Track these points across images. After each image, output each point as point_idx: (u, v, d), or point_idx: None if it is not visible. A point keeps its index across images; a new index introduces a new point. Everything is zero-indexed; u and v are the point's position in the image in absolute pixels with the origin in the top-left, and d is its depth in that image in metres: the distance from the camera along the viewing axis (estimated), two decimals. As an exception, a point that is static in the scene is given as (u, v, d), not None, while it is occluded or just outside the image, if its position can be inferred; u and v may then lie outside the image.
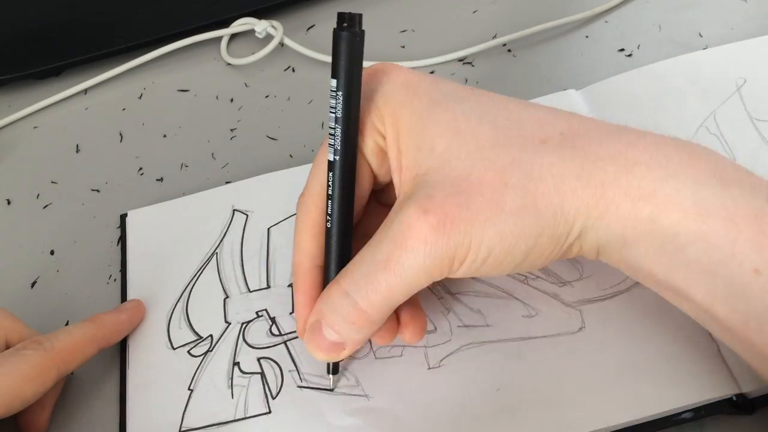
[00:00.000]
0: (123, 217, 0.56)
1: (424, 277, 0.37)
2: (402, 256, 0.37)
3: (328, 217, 0.41)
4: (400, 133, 0.40)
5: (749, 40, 0.56)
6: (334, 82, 0.40)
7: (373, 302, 0.38)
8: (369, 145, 0.42)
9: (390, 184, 0.43)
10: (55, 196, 0.61)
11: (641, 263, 0.38)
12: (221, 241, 0.53)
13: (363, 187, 0.43)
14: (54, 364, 0.44)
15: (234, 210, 0.54)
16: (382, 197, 0.46)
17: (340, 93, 0.40)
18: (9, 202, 0.61)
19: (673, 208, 0.36)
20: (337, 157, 0.40)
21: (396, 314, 0.43)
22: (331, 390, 0.46)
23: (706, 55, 0.55)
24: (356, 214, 0.43)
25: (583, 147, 0.37)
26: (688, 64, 0.54)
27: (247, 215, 0.54)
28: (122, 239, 0.55)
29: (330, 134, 0.40)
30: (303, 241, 0.43)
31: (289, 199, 0.53)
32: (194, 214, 0.55)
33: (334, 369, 0.45)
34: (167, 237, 0.54)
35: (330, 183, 0.41)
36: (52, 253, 0.57)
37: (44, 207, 0.60)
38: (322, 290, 0.41)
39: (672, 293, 0.38)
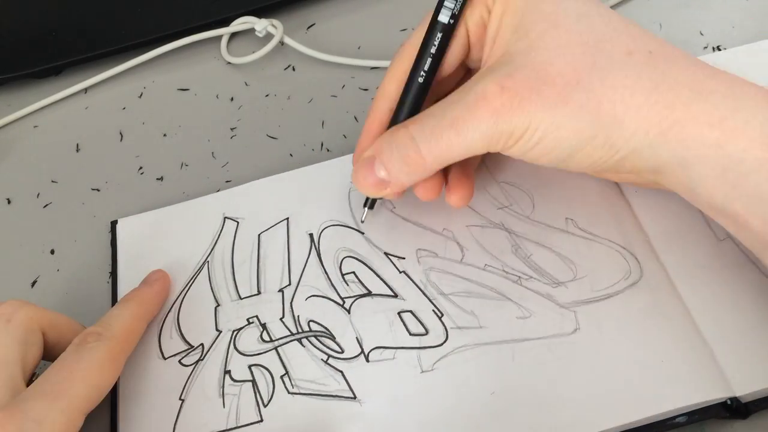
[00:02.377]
0: (113, 224, 0.56)
1: (481, 143, 0.41)
2: (469, 119, 0.40)
3: (415, 68, 0.45)
4: (506, 11, 0.42)
5: (742, 47, 0.56)
6: None
7: (433, 151, 0.42)
8: (474, 16, 0.44)
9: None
10: (55, 195, 0.61)
11: (700, 188, 0.39)
12: (212, 249, 0.53)
13: (456, 53, 0.46)
14: (120, 349, 0.45)
15: (225, 217, 0.54)
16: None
17: None
18: (9, 202, 0.61)
19: (741, 135, 0.37)
20: (452, 21, 0.44)
21: (445, 178, 0.47)
22: (361, 222, 0.51)
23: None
24: (443, 77, 0.46)
25: (665, 70, 0.39)
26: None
27: (238, 222, 0.53)
28: (113, 247, 0.55)
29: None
30: (387, 84, 0.47)
31: (279, 205, 0.53)
32: (185, 222, 0.55)
33: (371, 204, 0.50)
34: (158, 246, 0.54)
35: (430, 41, 0.44)
36: (52, 252, 0.57)
37: (44, 206, 0.60)
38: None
39: (730, 221, 0.40)
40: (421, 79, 0.45)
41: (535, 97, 0.39)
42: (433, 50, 0.44)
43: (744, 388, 0.41)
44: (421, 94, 0.45)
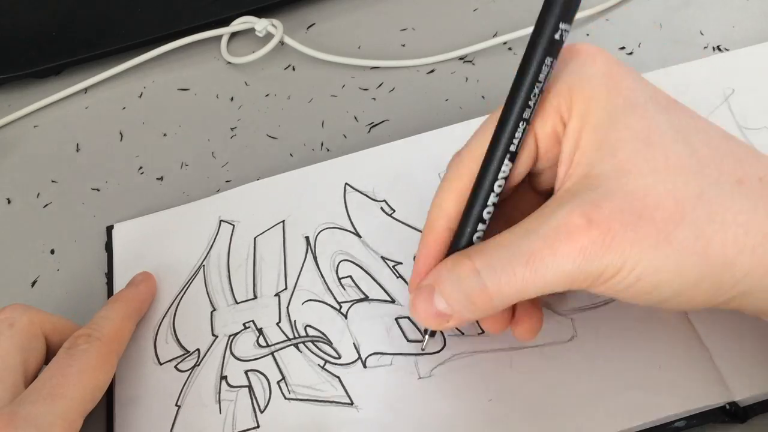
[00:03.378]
0: (109, 228, 0.56)
1: (564, 283, 0.35)
2: (548, 257, 0.35)
3: (477, 188, 0.39)
4: (585, 126, 0.36)
5: (738, 50, 0.55)
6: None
7: (503, 291, 0.36)
8: (545, 128, 0.38)
9: (547, 171, 0.41)
10: (55, 195, 0.61)
11: None
12: (208, 253, 0.53)
13: (522, 167, 0.39)
14: (111, 349, 0.45)
15: (220, 221, 0.54)
16: (535, 182, 0.42)
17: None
18: (9, 202, 0.61)
19: None
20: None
21: (512, 306, 0.42)
22: (422, 350, 0.45)
23: (694, 66, 0.54)
24: (505, 192, 0.40)
25: None
26: (676, 74, 0.54)
27: (234, 225, 0.53)
28: (108, 252, 0.55)
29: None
30: (444, 201, 0.40)
31: (274, 207, 0.53)
32: (180, 226, 0.55)
33: (432, 332, 0.44)
34: (154, 250, 0.54)
35: (494, 154, 0.38)
36: (52, 252, 0.57)
37: (44, 206, 0.60)
38: (447, 254, 0.40)
39: None
40: (487, 201, 0.39)
41: (631, 235, 0.33)
42: (501, 167, 0.38)
43: (742, 392, 0.41)
44: (485, 217, 0.39)
